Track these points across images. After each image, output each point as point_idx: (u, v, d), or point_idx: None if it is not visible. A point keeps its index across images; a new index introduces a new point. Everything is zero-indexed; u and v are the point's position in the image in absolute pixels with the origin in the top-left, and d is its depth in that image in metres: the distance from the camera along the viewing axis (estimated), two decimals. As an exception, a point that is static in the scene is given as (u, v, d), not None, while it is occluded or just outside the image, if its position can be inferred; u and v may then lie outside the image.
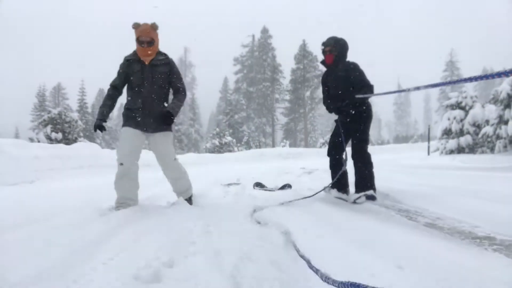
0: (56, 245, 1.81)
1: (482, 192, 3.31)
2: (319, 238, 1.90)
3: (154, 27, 3.21)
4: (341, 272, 1.33)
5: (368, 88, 3.44)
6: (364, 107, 3.57)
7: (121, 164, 3.09)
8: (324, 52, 3.70)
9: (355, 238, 1.89)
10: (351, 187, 3.66)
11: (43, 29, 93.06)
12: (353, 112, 3.55)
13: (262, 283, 1.27)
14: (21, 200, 4.51)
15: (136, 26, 3.18)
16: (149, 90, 3.19)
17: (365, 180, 3.44)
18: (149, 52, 3.19)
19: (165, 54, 3.37)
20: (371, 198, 3.34)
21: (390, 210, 2.71)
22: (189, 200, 3.46)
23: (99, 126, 3.12)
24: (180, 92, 3.38)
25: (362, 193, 3.36)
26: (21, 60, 75.57)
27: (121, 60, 3.33)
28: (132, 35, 3.24)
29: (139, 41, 3.17)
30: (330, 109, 3.80)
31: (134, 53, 3.26)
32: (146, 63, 3.21)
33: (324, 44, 3.69)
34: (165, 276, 1.38)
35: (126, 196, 3.08)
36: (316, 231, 2.07)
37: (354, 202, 3.32)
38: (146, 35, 3.15)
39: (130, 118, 3.19)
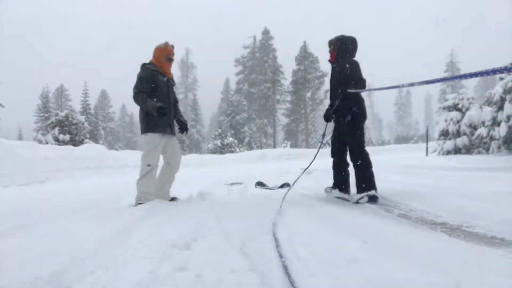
0: (94, 232, 2.22)
1: (461, 190, 3.71)
2: (308, 225, 2.32)
3: (172, 47, 3.87)
4: (318, 242, 1.75)
5: (359, 82, 3.53)
6: (356, 107, 3.63)
7: (149, 165, 3.60)
8: (329, 51, 3.89)
9: (335, 224, 2.32)
10: (352, 188, 3.76)
11: (44, 30, 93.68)
12: (346, 114, 3.64)
13: (264, 253, 1.69)
14: (40, 199, 4.89)
15: (166, 45, 3.79)
16: (171, 99, 3.81)
17: (366, 181, 3.47)
18: (170, 68, 3.89)
19: None
20: (373, 198, 3.36)
21: (372, 204, 3.13)
22: (173, 199, 3.83)
23: (163, 108, 3.46)
24: (178, 103, 4.11)
25: (365, 194, 3.38)
26: (22, 61, 76.16)
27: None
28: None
29: (168, 58, 3.79)
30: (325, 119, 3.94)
31: (154, 65, 3.75)
32: (168, 76, 3.84)
33: (329, 42, 3.89)
34: (193, 247, 1.83)
35: (146, 191, 3.54)
36: (306, 219, 2.49)
37: (357, 202, 3.36)
38: (173, 55, 3.84)
39: (155, 124, 3.63)
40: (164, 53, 3.74)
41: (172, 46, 3.81)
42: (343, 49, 3.75)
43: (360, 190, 3.49)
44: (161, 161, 3.81)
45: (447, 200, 3.09)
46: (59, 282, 1.39)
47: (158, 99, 3.57)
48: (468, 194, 3.28)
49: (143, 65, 3.75)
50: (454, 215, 2.48)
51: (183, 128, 3.94)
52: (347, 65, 3.62)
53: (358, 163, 3.57)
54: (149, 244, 1.92)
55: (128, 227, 2.37)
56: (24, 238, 2.12)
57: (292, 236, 1.98)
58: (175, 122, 3.93)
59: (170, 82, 3.84)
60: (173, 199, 3.82)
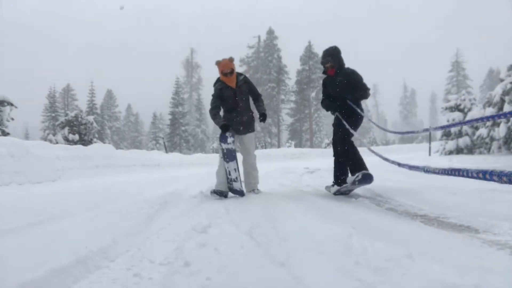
0: (120, 222, 2.58)
1: (448, 187, 4.04)
2: (304, 216, 2.67)
3: (231, 60, 4.23)
4: (310, 228, 2.11)
5: (364, 90, 3.97)
6: (359, 109, 3.99)
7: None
8: (325, 68, 4.23)
9: (328, 214, 2.67)
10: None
11: (48, 30, 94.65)
12: (349, 111, 4.00)
13: (267, 236, 2.05)
14: (58, 195, 5.24)
15: (218, 63, 4.23)
16: (241, 105, 4.29)
17: (355, 165, 3.69)
18: (232, 79, 4.23)
19: (241, 74, 4.40)
20: (367, 176, 3.53)
21: (365, 199, 3.48)
22: (253, 191, 4.32)
23: (227, 126, 4.09)
24: (260, 97, 4.50)
25: (359, 173, 3.55)
26: (27, 61, 77.15)
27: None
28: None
29: (223, 73, 4.20)
30: (327, 108, 4.30)
31: (221, 81, 4.28)
32: (234, 87, 4.26)
33: (323, 62, 4.23)
34: (208, 231, 2.19)
35: (223, 181, 4.14)
36: (303, 211, 2.84)
37: (354, 182, 3.57)
38: (228, 67, 4.18)
39: None
40: (220, 70, 4.24)
41: (231, 60, 4.21)
42: (339, 61, 4.14)
43: (353, 171, 3.73)
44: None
45: (433, 196, 3.44)
46: (106, 255, 1.78)
47: (226, 110, 4.31)
48: (452, 191, 3.61)
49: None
50: (434, 208, 2.83)
51: (263, 118, 4.36)
52: (353, 76, 4.04)
53: (347, 151, 3.87)
54: (170, 231, 2.30)
55: (149, 218, 2.74)
56: (63, 226, 2.50)
57: (290, 224, 2.34)
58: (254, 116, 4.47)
59: (237, 91, 4.27)
60: (253, 190, 4.29)
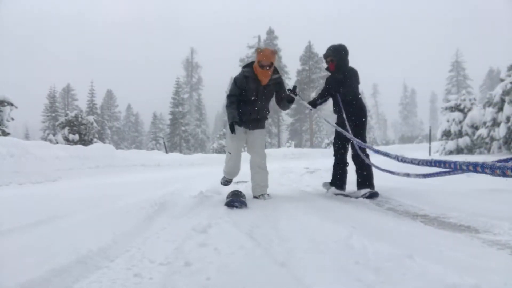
0: (120, 222, 2.58)
1: (448, 187, 4.07)
2: (304, 215, 2.67)
3: (274, 52, 3.70)
4: (310, 228, 2.11)
5: (353, 96, 3.97)
6: (361, 111, 4.02)
7: (229, 153, 4.04)
8: (326, 62, 4.22)
9: (328, 214, 2.67)
10: (349, 186, 4.11)
11: (49, 30, 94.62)
12: (351, 112, 4.00)
13: (267, 236, 2.05)
14: (60, 195, 5.25)
15: (259, 50, 3.66)
16: (259, 103, 3.84)
17: (366, 179, 3.83)
18: (268, 73, 3.69)
19: (278, 73, 3.87)
20: (375, 194, 3.70)
21: (365, 199, 3.48)
22: (262, 196, 3.87)
23: (234, 124, 3.60)
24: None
25: (368, 190, 3.72)
26: (28, 61, 77.17)
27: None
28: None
29: (260, 64, 3.62)
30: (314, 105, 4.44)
31: (252, 70, 3.72)
32: (263, 83, 3.74)
33: (325, 56, 4.20)
34: (209, 231, 2.20)
35: (228, 171, 4.13)
36: (303, 211, 2.85)
37: (361, 197, 3.67)
38: (268, 60, 3.61)
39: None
40: (258, 59, 3.65)
41: (274, 52, 3.67)
42: (341, 57, 4.07)
43: (362, 187, 3.84)
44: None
45: (433, 196, 3.45)
46: (106, 255, 1.78)
47: (242, 103, 3.77)
48: (452, 191, 3.63)
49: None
50: (435, 208, 2.84)
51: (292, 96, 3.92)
52: (351, 76, 3.99)
53: (359, 165, 3.90)
54: (170, 231, 2.30)
55: (148, 218, 2.74)
56: (63, 226, 2.49)
57: (290, 224, 2.35)
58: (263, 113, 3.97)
59: (262, 89, 3.77)
60: (262, 195, 3.87)
